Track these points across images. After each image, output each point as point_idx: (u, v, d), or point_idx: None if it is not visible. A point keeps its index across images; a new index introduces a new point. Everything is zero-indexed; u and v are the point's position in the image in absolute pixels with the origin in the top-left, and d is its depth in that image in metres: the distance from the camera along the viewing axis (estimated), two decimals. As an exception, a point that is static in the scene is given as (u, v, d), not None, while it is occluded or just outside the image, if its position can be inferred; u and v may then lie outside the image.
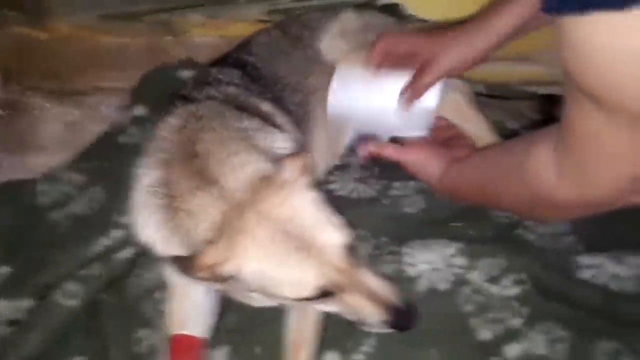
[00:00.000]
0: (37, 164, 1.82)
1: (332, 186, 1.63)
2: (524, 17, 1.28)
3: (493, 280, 1.31)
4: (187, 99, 1.38)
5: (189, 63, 1.95)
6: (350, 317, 1.14)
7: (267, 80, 1.54)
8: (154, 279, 1.43)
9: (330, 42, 1.68)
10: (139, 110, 1.85)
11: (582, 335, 1.23)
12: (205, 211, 1.11)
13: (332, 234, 1.07)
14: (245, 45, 1.68)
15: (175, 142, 1.24)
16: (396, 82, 1.43)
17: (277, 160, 1.16)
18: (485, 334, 1.25)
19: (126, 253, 1.49)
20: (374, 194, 1.59)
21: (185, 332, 1.29)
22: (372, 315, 1.10)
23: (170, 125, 1.29)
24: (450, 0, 1.78)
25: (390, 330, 1.12)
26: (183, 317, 1.32)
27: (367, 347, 1.26)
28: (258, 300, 1.24)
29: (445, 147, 1.45)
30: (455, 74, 1.42)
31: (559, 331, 1.23)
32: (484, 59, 1.36)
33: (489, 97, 1.84)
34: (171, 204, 1.17)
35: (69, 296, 1.40)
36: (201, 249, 1.07)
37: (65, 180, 1.67)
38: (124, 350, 1.35)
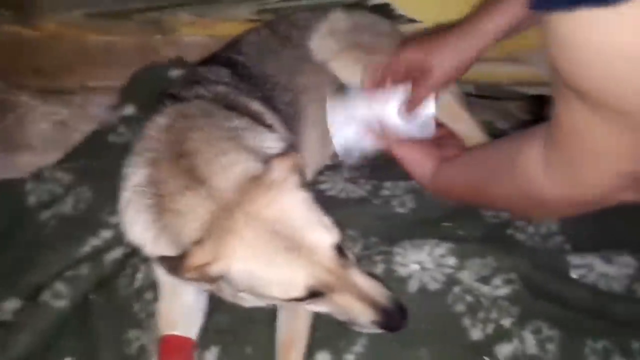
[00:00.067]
0: (25, 163, 1.81)
1: (322, 186, 1.62)
2: (516, 16, 1.27)
3: (483, 280, 1.31)
4: (176, 98, 1.37)
5: (178, 62, 1.95)
6: (340, 317, 1.14)
7: (256, 79, 1.54)
8: (144, 279, 1.42)
9: (320, 41, 1.67)
10: (129, 109, 1.84)
11: (572, 334, 1.23)
12: (193, 211, 1.10)
13: (321, 234, 1.07)
14: (234, 44, 1.68)
15: (164, 141, 1.23)
16: (394, 98, 1.42)
17: (267, 159, 1.16)
18: (476, 333, 1.25)
19: (116, 253, 1.48)
20: (364, 194, 1.59)
21: (175, 333, 1.29)
22: (362, 316, 1.10)
23: (158, 125, 1.28)
24: (440, 0, 1.78)
25: (380, 331, 1.13)
26: (173, 317, 1.31)
27: (358, 347, 1.25)
28: (248, 301, 1.23)
29: (436, 147, 1.45)
30: (452, 81, 1.42)
31: (549, 331, 1.23)
32: (478, 60, 1.36)
33: (479, 97, 1.84)
34: (160, 204, 1.16)
35: (58, 297, 1.39)
36: (190, 249, 1.06)
37: (54, 180, 1.65)
38: (114, 351, 1.35)
